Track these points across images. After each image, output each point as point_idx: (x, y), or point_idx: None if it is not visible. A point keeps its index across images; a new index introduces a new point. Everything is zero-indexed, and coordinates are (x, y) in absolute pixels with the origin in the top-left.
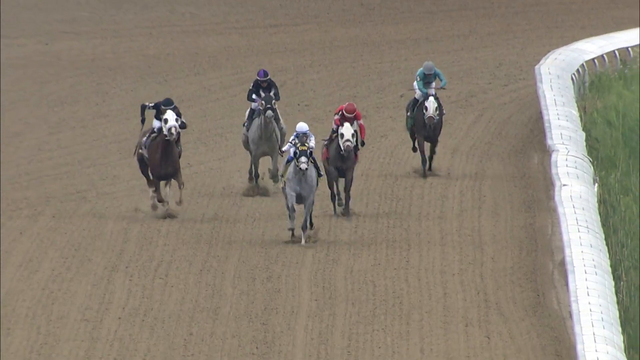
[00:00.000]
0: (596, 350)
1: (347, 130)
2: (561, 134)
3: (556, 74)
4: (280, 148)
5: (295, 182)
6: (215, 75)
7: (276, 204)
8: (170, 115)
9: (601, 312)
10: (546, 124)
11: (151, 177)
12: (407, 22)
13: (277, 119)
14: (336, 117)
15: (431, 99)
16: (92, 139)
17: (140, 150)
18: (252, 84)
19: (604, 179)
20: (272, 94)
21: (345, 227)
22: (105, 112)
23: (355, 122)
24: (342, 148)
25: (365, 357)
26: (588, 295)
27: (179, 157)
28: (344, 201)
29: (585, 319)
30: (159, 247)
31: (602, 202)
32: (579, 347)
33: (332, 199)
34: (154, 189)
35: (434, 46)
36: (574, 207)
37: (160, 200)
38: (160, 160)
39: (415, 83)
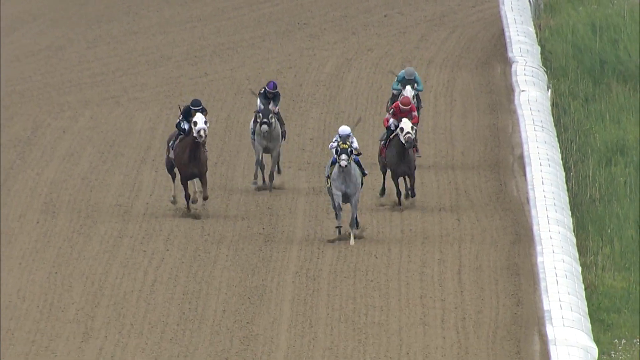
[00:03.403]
0: (549, 231)
1: (406, 124)
2: (520, 48)
3: None
4: (281, 145)
5: (340, 182)
6: None
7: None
8: (199, 117)
9: (554, 198)
10: (507, 40)
11: (178, 178)
12: None
13: (281, 123)
14: (387, 115)
15: (408, 87)
16: (124, 52)
17: (168, 154)
18: (260, 92)
19: (556, 86)
20: (273, 104)
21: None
22: (135, 29)
23: (410, 114)
24: (404, 140)
25: None
26: (543, 184)
27: (206, 160)
28: (403, 196)
29: (540, 204)
30: None
31: (554, 105)
32: (534, 227)
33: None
34: (179, 189)
35: None
36: (531, 109)
37: (189, 198)
38: (188, 160)
39: (393, 83)
